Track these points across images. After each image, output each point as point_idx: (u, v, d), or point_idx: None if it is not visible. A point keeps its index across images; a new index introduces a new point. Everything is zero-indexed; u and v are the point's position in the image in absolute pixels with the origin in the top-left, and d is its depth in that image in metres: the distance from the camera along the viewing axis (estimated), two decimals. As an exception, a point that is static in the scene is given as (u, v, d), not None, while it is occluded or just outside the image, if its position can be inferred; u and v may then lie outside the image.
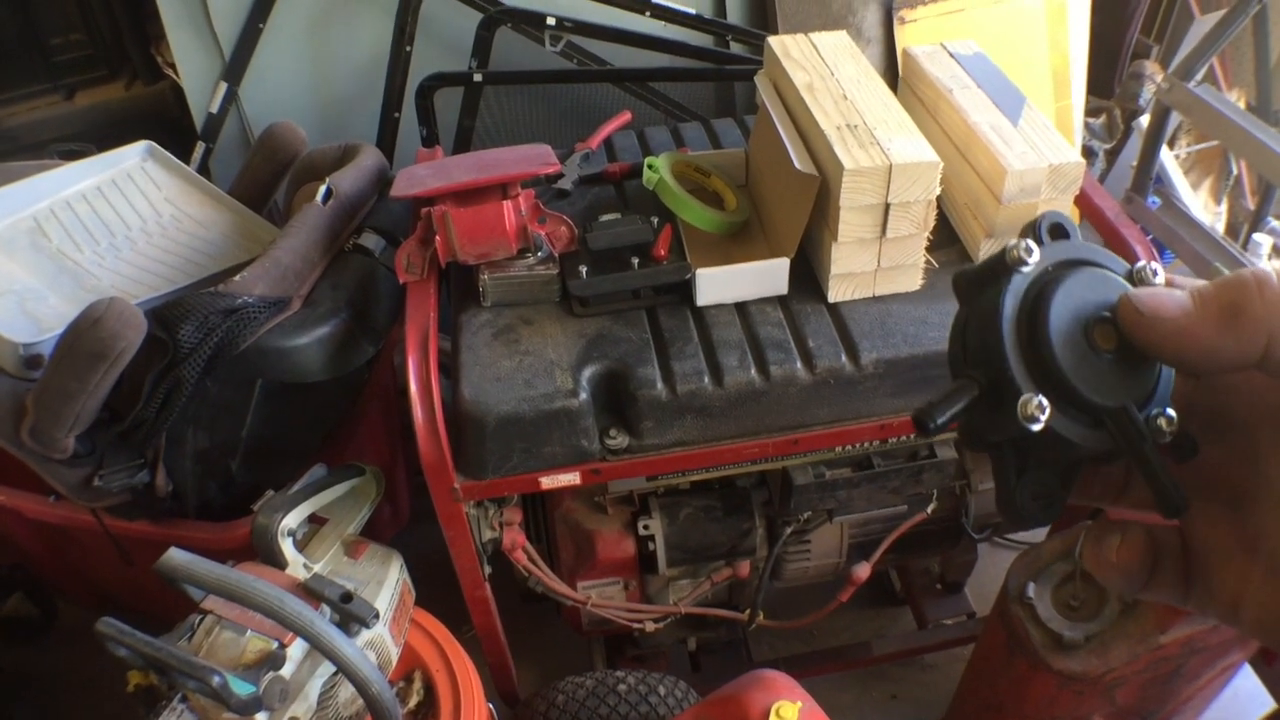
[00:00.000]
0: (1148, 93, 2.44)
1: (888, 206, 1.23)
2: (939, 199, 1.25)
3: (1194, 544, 0.42)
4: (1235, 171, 2.60)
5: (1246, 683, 1.70)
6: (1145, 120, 2.35)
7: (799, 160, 1.27)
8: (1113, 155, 2.53)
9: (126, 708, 1.33)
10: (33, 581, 2.02)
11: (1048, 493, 0.42)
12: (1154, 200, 2.05)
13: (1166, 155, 2.24)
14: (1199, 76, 1.85)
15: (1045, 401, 0.39)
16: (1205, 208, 2.55)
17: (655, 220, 1.38)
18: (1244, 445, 0.40)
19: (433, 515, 1.32)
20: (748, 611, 1.66)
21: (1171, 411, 0.40)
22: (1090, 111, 2.57)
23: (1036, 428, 0.39)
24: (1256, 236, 2.17)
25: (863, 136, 1.24)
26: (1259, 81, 2.51)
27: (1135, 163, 2.08)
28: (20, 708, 1.98)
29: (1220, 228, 2.55)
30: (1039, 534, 1.83)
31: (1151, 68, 2.52)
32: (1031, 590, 1.45)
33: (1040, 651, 1.42)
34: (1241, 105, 2.46)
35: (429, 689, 1.38)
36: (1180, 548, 0.42)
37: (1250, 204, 2.54)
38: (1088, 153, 2.50)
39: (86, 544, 1.61)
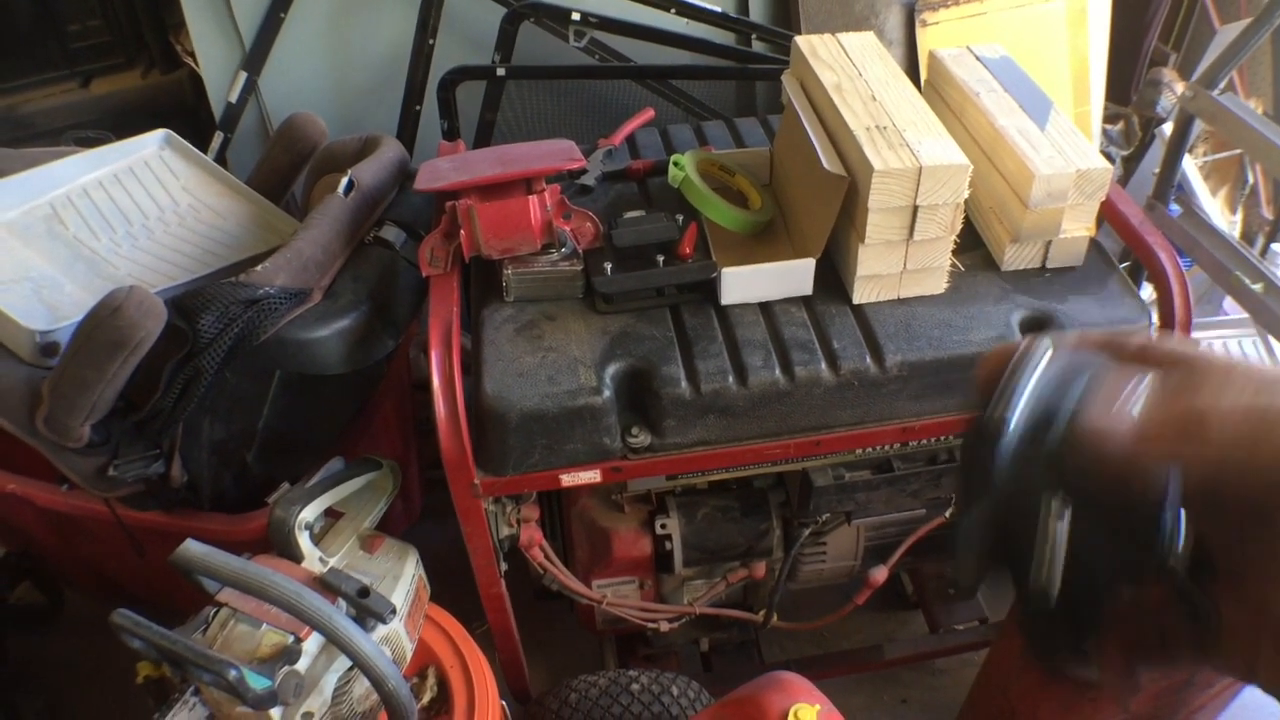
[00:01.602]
0: (1166, 100, 2.43)
1: (916, 209, 1.22)
2: (964, 202, 1.24)
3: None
4: (1251, 181, 2.59)
5: (1257, 693, 1.69)
6: (1167, 128, 2.34)
7: (828, 160, 1.26)
8: (1130, 162, 2.52)
9: (133, 698, 1.32)
10: (40, 570, 2.01)
11: (984, 548, 0.50)
12: (1174, 208, 2.04)
13: (1188, 163, 2.24)
14: (1222, 85, 1.84)
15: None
16: (1220, 216, 2.54)
17: (680, 218, 1.37)
18: (1246, 521, 0.42)
19: (443, 510, 1.30)
20: (762, 613, 1.65)
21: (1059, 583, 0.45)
22: (1107, 118, 2.56)
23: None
24: (1275, 246, 2.17)
25: (892, 138, 1.23)
26: (1276, 91, 2.51)
27: (1157, 170, 2.07)
28: (25, 697, 1.97)
29: (1235, 236, 2.54)
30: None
31: (1169, 75, 2.51)
32: (1049, 597, 1.44)
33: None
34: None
35: (442, 685, 1.37)
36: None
37: (1267, 213, 2.53)
38: (1106, 159, 2.48)
39: (97, 533, 1.59)
